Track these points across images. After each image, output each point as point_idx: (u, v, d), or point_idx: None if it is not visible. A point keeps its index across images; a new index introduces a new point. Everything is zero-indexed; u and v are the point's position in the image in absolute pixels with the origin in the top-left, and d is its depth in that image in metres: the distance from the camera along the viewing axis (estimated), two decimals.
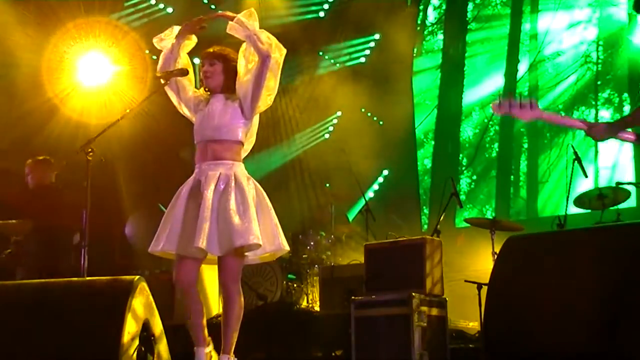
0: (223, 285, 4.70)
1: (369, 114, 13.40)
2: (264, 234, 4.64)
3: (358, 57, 13.13)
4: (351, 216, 10.99)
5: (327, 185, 9.76)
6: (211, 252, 4.55)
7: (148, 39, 9.45)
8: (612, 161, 17.07)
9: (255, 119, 4.89)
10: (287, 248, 4.81)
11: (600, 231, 5.31)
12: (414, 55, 14.97)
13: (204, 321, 4.74)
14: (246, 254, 4.67)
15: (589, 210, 7.50)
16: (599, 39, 17.49)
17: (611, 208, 7.07)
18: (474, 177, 19.26)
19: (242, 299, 4.72)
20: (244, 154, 4.89)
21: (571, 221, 6.75)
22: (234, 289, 4.66)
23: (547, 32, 17.21)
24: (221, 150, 4.73)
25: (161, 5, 10.06)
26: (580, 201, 7.34)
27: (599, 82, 17.45)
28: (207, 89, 4.90)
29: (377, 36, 13.09)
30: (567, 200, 6.88)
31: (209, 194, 4.57)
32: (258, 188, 4.77)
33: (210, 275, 7.56)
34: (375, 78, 13.01)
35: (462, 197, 12.17)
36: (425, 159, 17.04)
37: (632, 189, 7.88)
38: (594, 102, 17.46)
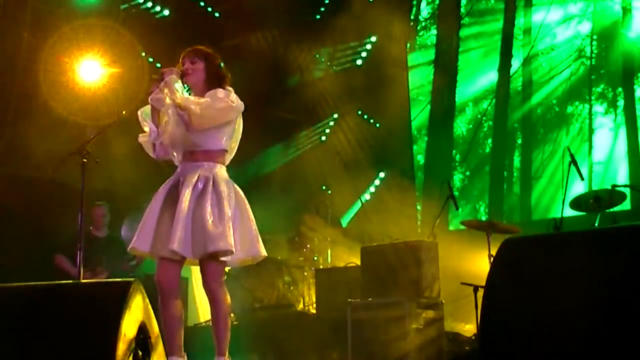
0: (206, 287, 4.66)
1: (366, 117, 13.39)
2: (241, 240, 4.62)
3: (355, 60, 13.09)
4: (345, 221, 11.01)
5: (324, 187, 9.72)
6: (185, 254, 4.53)
7: (144, 41, 9.51)
8: (605, 156, 17.14)
9: (239, 124, 4.83)
10: (264, 254, 4.76)
11: (597, 233, 5.30)
12: (407, 50, 14.89)
13: (181, 330, 4.68)
14: (222, 258, 4.61)
15: (585, 213, 7.51)
16: (593, 33, 17.53)
17: (607, 210, 7.07)
18: (467, 173, 19.34)
19: (228, 298, 4.67)
20: (229, 157, 4.84)
21: (567, 223, 6.73)
22: (217, 290, 4.62)
23: (541, 27, 17.23)
24: (203, 155, 4.70)
25: (157, 8, 10.04)
26: (576, 204, 7.34)
27: (592, 77, 17.49)
28: (188, 90, 4.81)
29: (373, 38, 13.05)
30: (563, 202, 6.87)
31: (186, 194, 4.53)
32: (238, 193, 4.73)
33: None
34: (371, 80, 12.95)
35: (456, 193, 12.15)
36: (418, 155, 17.04)
37: (627, 191, 7.88)
38: (587, 97, 17.52)
